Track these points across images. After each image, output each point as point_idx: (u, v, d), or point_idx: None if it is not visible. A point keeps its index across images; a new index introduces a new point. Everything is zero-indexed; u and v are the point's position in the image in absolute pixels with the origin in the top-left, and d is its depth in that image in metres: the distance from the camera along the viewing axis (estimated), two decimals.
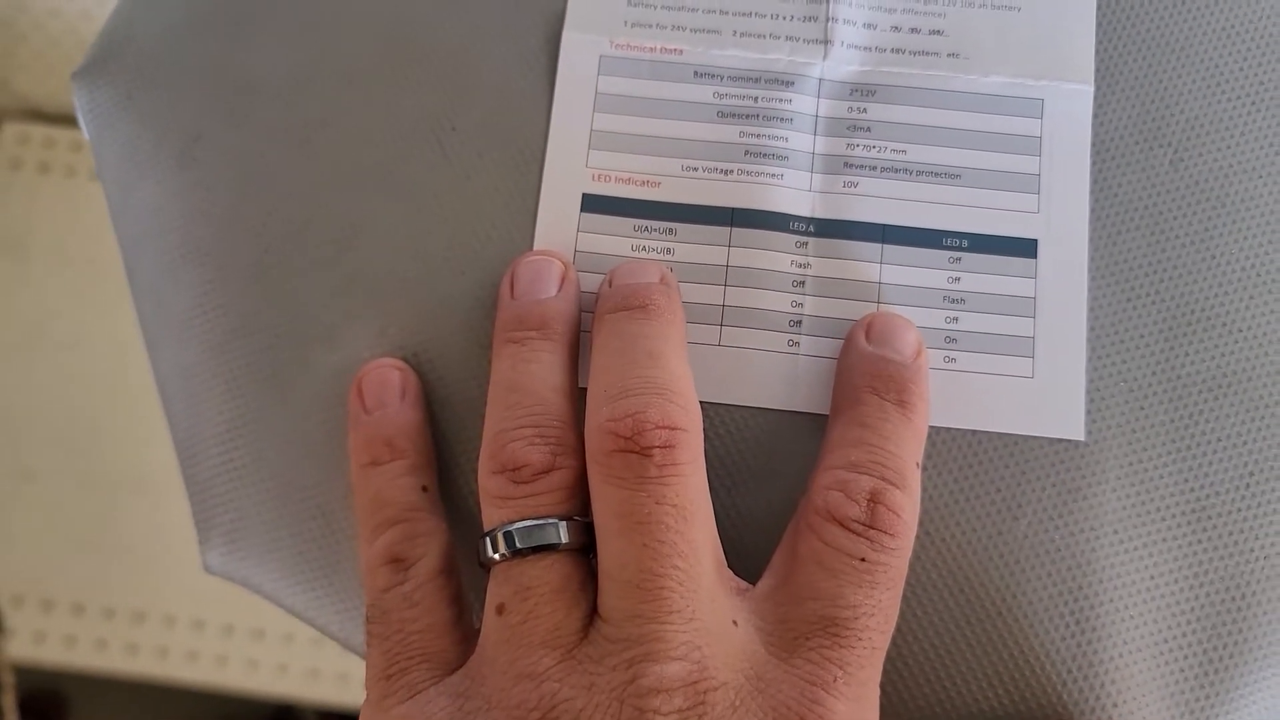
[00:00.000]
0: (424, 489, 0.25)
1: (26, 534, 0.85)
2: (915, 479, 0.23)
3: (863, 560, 0.22)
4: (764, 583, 0.23)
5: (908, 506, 0.23)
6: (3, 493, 0.85)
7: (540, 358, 0.24)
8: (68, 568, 0.85)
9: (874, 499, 0.22)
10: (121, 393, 0.87)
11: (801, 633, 0.22)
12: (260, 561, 0.26)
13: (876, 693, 0.22)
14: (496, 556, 0.22)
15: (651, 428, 0.22)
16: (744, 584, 0.23)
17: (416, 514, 0.24)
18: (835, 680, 0.21)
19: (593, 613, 0.22)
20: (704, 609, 0.21)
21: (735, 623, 0.22)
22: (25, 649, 0.82)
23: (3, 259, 0.91)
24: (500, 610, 0.22)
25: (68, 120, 0.93)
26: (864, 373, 0.24)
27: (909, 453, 0.23)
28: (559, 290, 0.25)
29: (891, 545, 0.22)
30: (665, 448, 0.22)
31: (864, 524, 0.22)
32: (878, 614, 0.22)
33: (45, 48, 0.84)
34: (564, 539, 0.22)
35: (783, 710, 0.21)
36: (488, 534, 0.23)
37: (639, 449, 0.22)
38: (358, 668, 0.84)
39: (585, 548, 0.23)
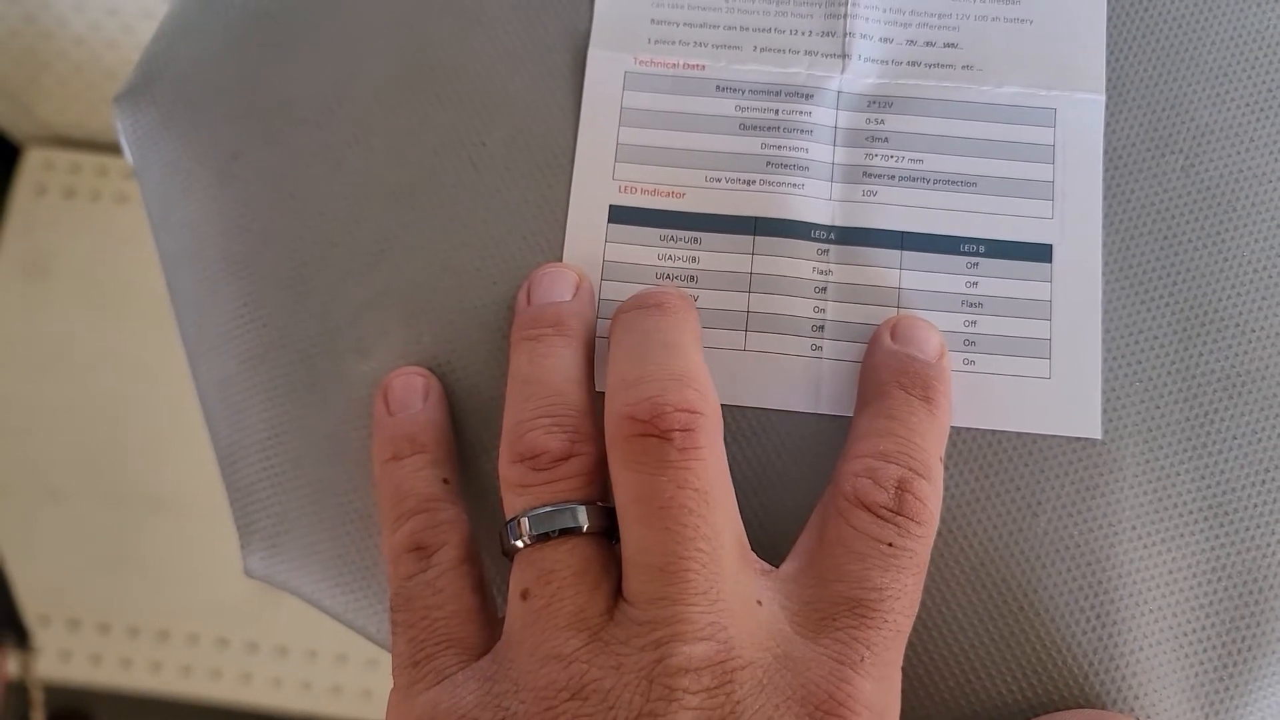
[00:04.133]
0: (445, 481, 0.26)
1: (52, 553, 0.86)
2: (939, 472, 0.24)
3: (890, 545, 0.22)
4: (788, 565, 0.24)
5: (933, 496, 0.23)
6: (28, 513, 0.87)
7: (556, 352, 0.25)
8: (93, 587, 0.86)
9: (902, 487, 0.23)
10: (145, 413, 0.88)
11: (828, 613, 0.22)
12: (300, 565, 0.27)
13: (899, 675, 0.23)
14: (519, 543, 0.23)
15: (671, 411, 0.22)
16: (768, 566, 0.24)
17: (437, 504, 0.25)
18: (863, 660, 0.22)
19: (617, 596, 0.23)
20: (728, 590, 0.22)
21: (760, 602, 0.22)
22: (52, 667, 0.83)
23: (28, 282, 0.92)
24: (525, 595, 0.23)
25: (92, 146, 0.95)
26: (891, 369, 0.25)
27: (934, 446, 0.24)
28: (574, 295, 0.26)
29: (917, 532, 0.23)
30: (685, 431, 0.22)
31: (892, 510, 0.23)
32: (903, 598, 0.22)
33: (69, 75, 0.85)
34: (585, 523, 0.23)
35: (811, 688, 0.21)
36: (510, 521, 0.23)
37: (658, 432, 0.22)
38: (381, 684, 0.85)
39: (607, 532, 0.23)
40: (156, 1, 0.77)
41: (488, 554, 0.26)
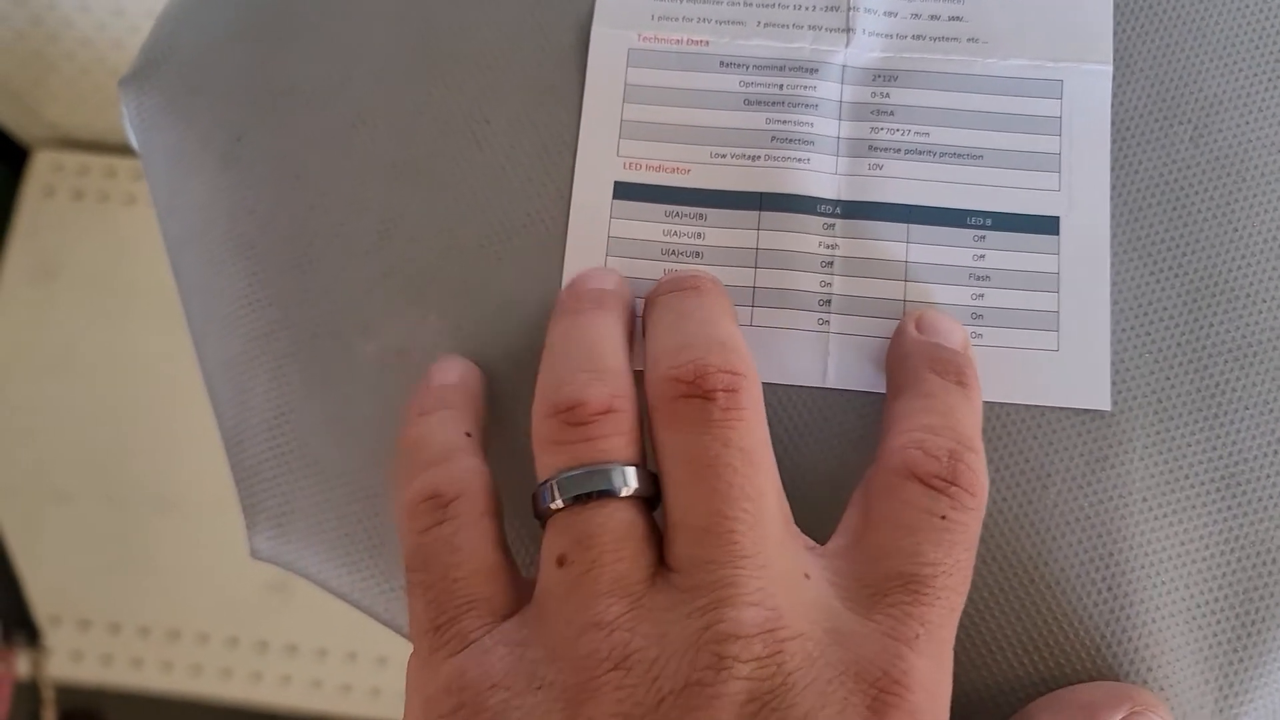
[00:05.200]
0: (468, 435, 0.24)
1: (62, 554, 0.86)
2: (982, 449, 0.23)
3: (943, 518, 0.22)
4: (835, 541, 0.23)
5: (983, 470, 0.23)
6: (38, 514, 0.87)
7: (596, 320, 0.24)
8: (103, 587, 0.86)
9: (953, 457, 0.22)
10: (153, 413, 0.89)
11: (880, 589, 0.21)
12: (306, 545, 0.27)
13: (952, 655, 0.22)
14: (555, 506, 0.22)
15: (714, 371, 0.22)
16: (813, 542, 0.23)
17: (457, 453, 0.24)
18: (917, 637, 0.21)
19: (658, 563, 0.22)
20: (775, 557, 0.21)
21: (808, 575, 0.22)
22: (63, 668, 0.83)
23: (36, 284, 0.92)
24: (561, 561, 0.22)
25: (100, 147, 0.95)
26: (922, 356, 0.24)
27: (974, 425, 0.23)
28: (615, 286, 0.26)
29: (970, 504, 0.22)
30: (729, 391, 0.22)
31: (945, 480, 0.22)
32: (956, 573, 0.22)
33: (76, 76, 0.86)
34: (627, 485, 0.22)
35: (864, 664, 0.20)
36: (545, 482, 0.22)
37: (702, 393, 0.22)
38: (390, 681, 0.85)
39: (647, 497, 0.22)
40: (161, 2, 0.77)
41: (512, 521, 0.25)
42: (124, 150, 0.95)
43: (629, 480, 0.22)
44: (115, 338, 0.91)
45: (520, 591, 0.23)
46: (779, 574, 0.21)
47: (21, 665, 0.71)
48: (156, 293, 0.91)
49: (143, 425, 0.89)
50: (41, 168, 0.95)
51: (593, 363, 0.23)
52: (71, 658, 0.84)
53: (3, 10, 0.79)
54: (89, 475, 0.88)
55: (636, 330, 0.26)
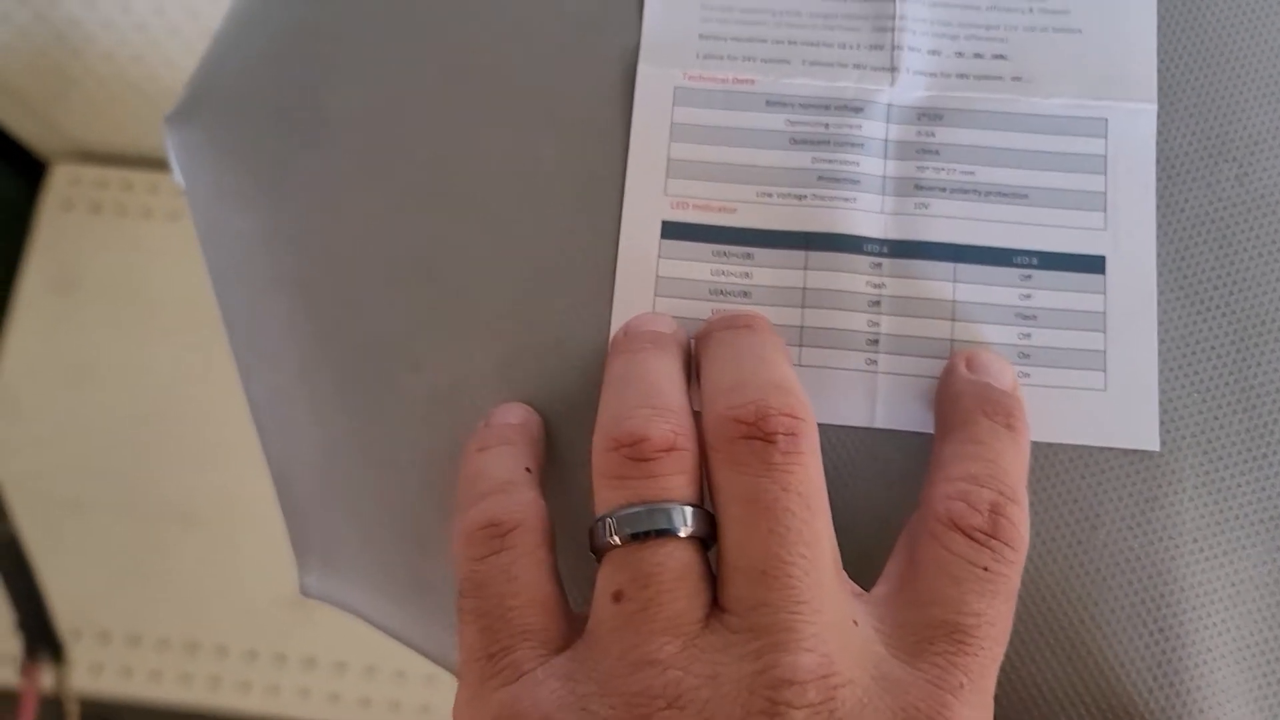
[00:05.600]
0: (527, 470, 0.25)
1: (82, 567, 0.86)
2: (1026, 498, 0.23)
3: (985, 569, 0.22)
4: (880, 587, 0.23)
5: (1024, 521, 0.23)
6: (57, 526, 0.87)
7: (655, 356, 0.25)
8: (123, 600, 0.86)
9: (995, 510, 0.23)
10: (173, 426, 0.89)
11: (925, 636, 0.22)
12: (356, 583, 0.27)
13: (992, 705, 0.22)
14: (613, 541, 0.22)
15: (775, 414, 0.22)
16: (858, 588, 0.23)
17: (516, 485, 0.24)
18: (961, 686, 0.21)
19: (712, 603, 0.22)
20: (828, 603, 0.21)
21: (855, 622, 0.22)
22: (83, 680, 0.83)
23: (55, 296, 0.93)
24: (617, 597, 0.22)
25: (118, 161, 0.96)
26: (973, 396, 0.25)
27: (1021, 471, 0.24)
28: (671, 331, 0.26)
29: (1011, 557, 0.22)
30: (789, 435, 0.22)
31: (986, 533, 0.22)
32: (998, 624, 0.22)
33: (96, 91, 0.86)
34: (686, 525, 0.22)
35: (911, 712, 0.21)
36: (603, 517, 0.22)
37: (763, 435, 0.22)
38: (409, 695, 0.85)
39: (703, 537, 0.22)
40: (184, 17, 0.77)
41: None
42: (141, 164, 0.96)
43: (688, 520, 0.22)
44: (133, 349, 0.91)
45: (571, 625, 0.23)
46: (831, 620, 0.21)
47: (45, 680, 0.71)
48: (174, 304, 0.91)
49: (161, 437, 0.89)
50: (60, 181, 0.95)
51: (654, 399, 0.23)
52: (91, 670, 0.85)
53: (26, 26, 0.79)
54: (107, 487, 0.88)
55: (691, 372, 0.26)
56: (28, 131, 0.92)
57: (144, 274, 0.93)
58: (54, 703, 0.73)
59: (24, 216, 0.94)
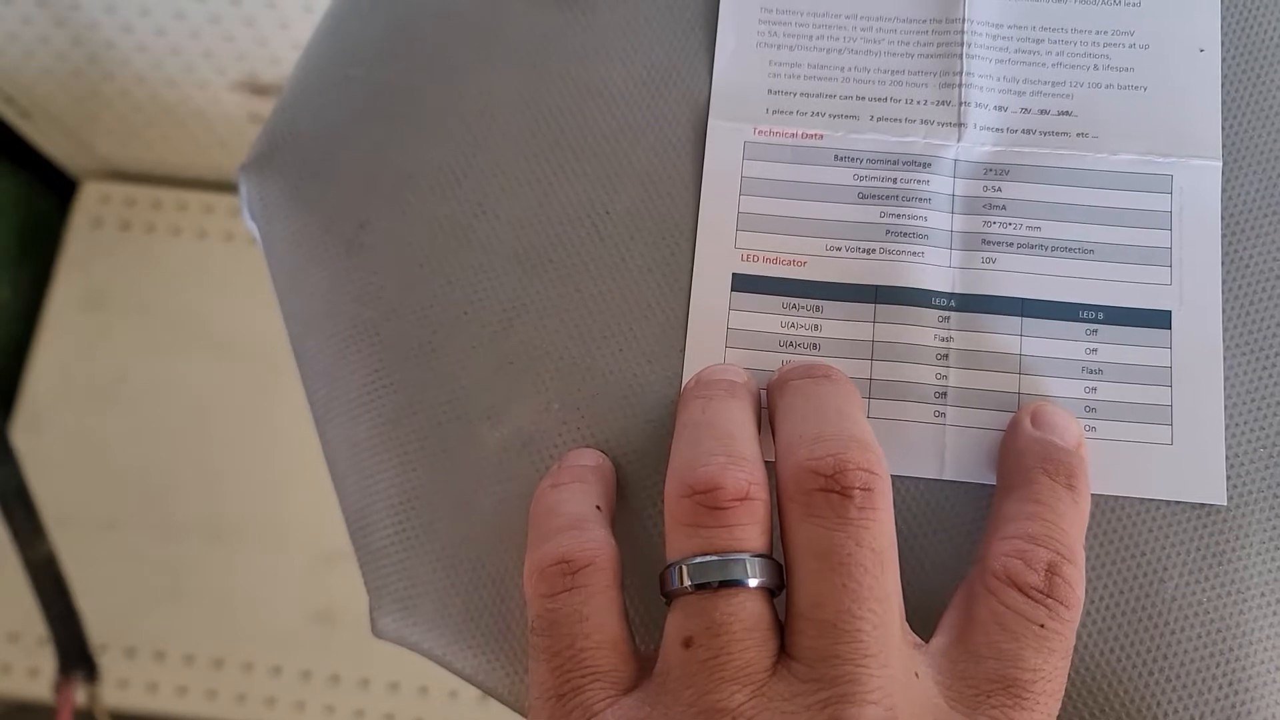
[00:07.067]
0: (598, 508, 0.25)
1: (109, 583, 0.87)
2: (1083, 558, 0.24)
3: (1042, 626, 0.23)
4: (938, 640, 0.24)
5: (1080, 582, 0.23)
6: (85, 543, 0.88)
7: (729, 404, 0.25)
8: (150, 616, 0.87)
9: (1051, 570, 0.23)
10: (200, 443, 0.89)
11: (983, 690, 0.22)
12: (431, 627, 0.28)
13: None
14: (685, 585, 0.23)
15: (853, 468, 0.23)
16: (918, 639, 0.24)
17: (588, 523, 0.25)
18: None
19: (779, 652, 0.22)
20: (894, 656, 0.22)
21: (917, 674, 0.22)
22: (110, 695, 0.84)
23: (85, 313, 0.93)
24: (688, 644, 0.22)
25: (146, 179, 0.96)
26: (1036, 454, 0.25)
27: (1078, 532, 0.24)
28: (743, 381, 0.26)
29: (1067, 616, 0.23)
30: (865, 490, 0.22)
31: (1042, 592, 0.23)
32: (1054, 680, 0.23)
33: (128, 112, 0.87)
34: (757, 575, 0.23)
35: None
36: (675, 564, 0.23)
37: (840, 488, 0.22)
38: (432, 712, 0.85)
39: (771, 587, 0.23)
40: (217, 40, 0.78)
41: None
42: (170, 182, 0.96)
43: (759, 572, 0.23)
44: (162, 366, 0.92)
45: (639, 666, 0.24)
46: (896, 673, 0.22)
47: (79, 696, 0.72)
48: (202, 322, 0.92)
49: (189, 454, 0.90)
50: (89, 199, 0.96)
51: (728, 447, 0.24)
52: (117, 685, 0.85)
53: (61, 49, 0.80)
54: (135, 504, 0.89)
55: (764, 421, 0.26)
56: (60, 150, 0.93)
57: (172, 291, 0.94)
58: (87, 718, 0.73)
59: (54, 234, 0.95)
